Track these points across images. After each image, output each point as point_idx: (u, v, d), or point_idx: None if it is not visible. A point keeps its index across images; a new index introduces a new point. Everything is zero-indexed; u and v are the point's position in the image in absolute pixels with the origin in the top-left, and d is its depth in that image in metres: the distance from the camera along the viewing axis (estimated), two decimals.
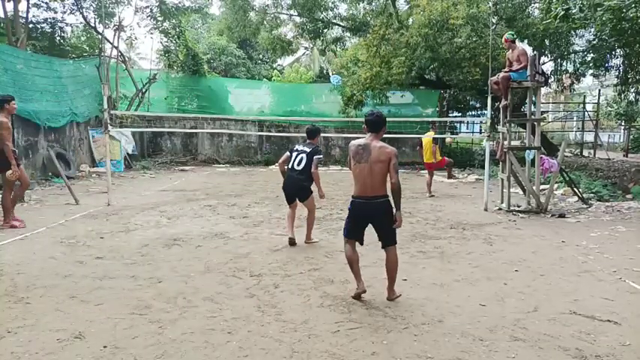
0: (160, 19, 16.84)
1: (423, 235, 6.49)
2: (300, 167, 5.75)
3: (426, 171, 10.70)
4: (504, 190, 8.48)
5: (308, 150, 5.81)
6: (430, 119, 15.62)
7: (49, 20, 15.61)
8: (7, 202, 6.55)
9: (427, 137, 10.42)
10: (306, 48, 29.47)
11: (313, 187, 5.92)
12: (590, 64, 13.88)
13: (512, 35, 8.49)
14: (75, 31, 18.59)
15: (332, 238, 6.14)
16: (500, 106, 8.47)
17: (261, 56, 27.65)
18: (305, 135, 6.07)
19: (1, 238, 5.93)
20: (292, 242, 5.78)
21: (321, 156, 5.95)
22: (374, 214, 3.94)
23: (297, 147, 5.95)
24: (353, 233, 4.10)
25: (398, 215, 3.94)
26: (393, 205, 3.94)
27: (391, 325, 3.54)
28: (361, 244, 4.14)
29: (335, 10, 20.04)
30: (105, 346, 3.13)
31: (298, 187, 5.84)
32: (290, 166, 5.84)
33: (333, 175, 13.68)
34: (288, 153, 5.97)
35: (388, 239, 4.04)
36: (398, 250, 5.57)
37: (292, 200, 5.98)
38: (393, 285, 4.07)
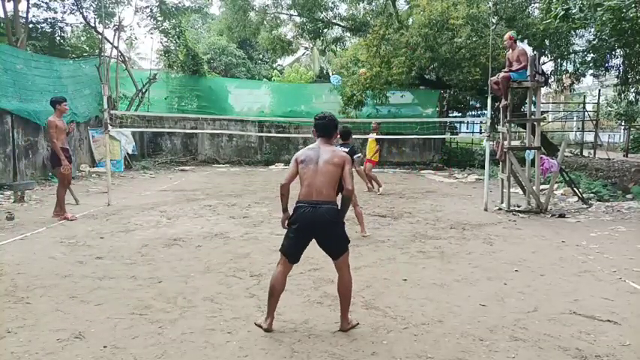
0: (160, 19, 16.83)
1: (423, 235, 6.49)
2: None
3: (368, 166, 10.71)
4: (504, 190, 8.48)
5: (347, 150, 6.10)
6: (430, 119, 15.68)
7: (49, 20, 15.61)
8: (62, 195, 7.07)
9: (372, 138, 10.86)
10: (306, 48, 29.49)
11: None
12: (590, 64, 13.88)
13: (516, 34, 8.49)
14: (75, 31, 18.60)
15: None
16: (501, 106, 8.47)
17: (261, 56, 27.66)
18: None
19: (1, 238, 5.93)
20: None
21: (360, 154, 6.34)
22: (319, 224, 3.31)
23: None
24: (289, 248, 3.42)
25: (342, 219, 3.47)
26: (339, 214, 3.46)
27: (391, 325, 3.54)
28: (297, 261, 3.48)
29: (335, 10, 20.05)
30: (105, 346, 3.13)
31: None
32: None
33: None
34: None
35: (334, 252, 3.43)
36: (398, 251, 5.63)
37: None
38: (347, 311, 3.46)
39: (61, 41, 16.17)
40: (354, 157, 6.17)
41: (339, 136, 6.75)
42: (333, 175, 3.37)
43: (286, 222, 3.50)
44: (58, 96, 7.39)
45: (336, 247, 3.42)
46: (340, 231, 3.42)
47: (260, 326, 3.40)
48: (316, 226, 3.32)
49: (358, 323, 3.51)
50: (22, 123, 10.55)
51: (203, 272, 4.73)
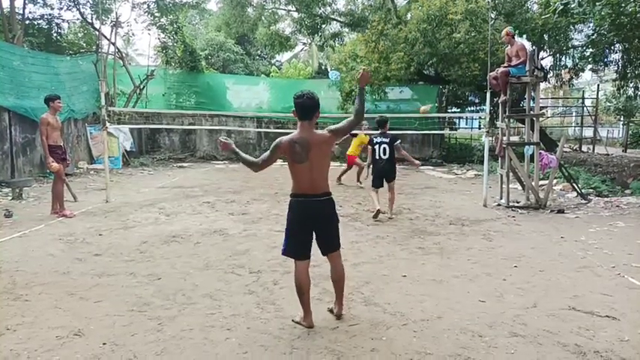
0: (157, 15, 16.73)
1: (422, 231, 6.49)
2: (387, 156, 7.15)
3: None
4: (503, 186, 8.48)
5: (387, 140, 7.15)
6: (429, 115, 15.64)
7: (45, 16, 15.51)
8: (59, 192, 7.08)
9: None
10: (304, 44, 29.37)
11: None
12: (589, 59, 13.84)
13: (514, 30, 8.47)
14: (72, 28, 18.46)
15: None
16: (500, 101, 8.45)
17: (259, 52, 27.59)
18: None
19: (0, 235, 5.92)
20: (378, 213, 7.00)
21: (400, 140, 7.32)
22: (317, 215, 3.33)
23: (375, 140, 7.24)
24: (299, 247, 3.37)
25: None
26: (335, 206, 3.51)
27: (390, 321, 3.53)
28: (307, 256, 3.42)
29: (333, 5, 20.02)
30: (104, 343, 3.13)
31: (389, 172, 7.23)
32: (378, 157, 7.18)
33: (331, 171, 13.66)
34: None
35: (332, 245, 3.45)
36: (397, 247, 5.63)
37: (381, 184, 7.29)
38: (342, 298, 3.58)
39: (58, 38, 16.08)
40: (395, 144, 7.12)
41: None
42: (326, 166, 3.40)
43: (225, 143, 3.58)
44: (52, 93, 7.43)
45: (332, 241, 3.45)
46: (337, 225, 3.48)
47: (300, 323, 3.41)
48: (314, 218, 3.34)
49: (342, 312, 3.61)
50: (19, 120, 10.51)
51: (202, 269, 4.73)
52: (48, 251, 5.24)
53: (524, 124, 10.55)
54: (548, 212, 7.85)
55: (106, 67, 14.32)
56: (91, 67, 14.11)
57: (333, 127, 3.40)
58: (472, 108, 20.20)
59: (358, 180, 10.80)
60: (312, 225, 3.36)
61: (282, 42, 21.18)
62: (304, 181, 3.32)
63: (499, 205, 8.41)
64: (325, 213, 3.38)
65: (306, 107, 3.29)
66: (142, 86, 15.83)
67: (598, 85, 18.81)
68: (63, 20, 16.15)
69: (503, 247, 5.65)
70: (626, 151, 18.43)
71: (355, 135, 10.58)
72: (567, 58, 15.42)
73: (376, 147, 7.18)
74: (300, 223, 3.36)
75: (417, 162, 7.50)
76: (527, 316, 3.62)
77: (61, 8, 15.52)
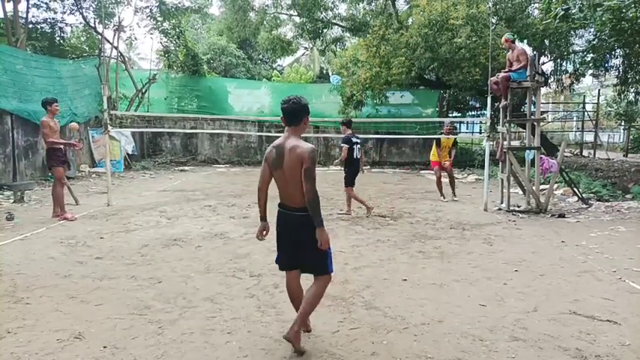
0: (159, 19, 16.84)
1: (423, 235, 6.49)
2: (359, 156, 7.73)
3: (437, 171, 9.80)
4: (504, 190, 8.48)
5: (359, 141, 7.77)
6: (430, 119, 15.68)
7: (48, 20, 15.61)
8: (59, 195, 7.16)
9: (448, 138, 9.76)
10: (305, 48, 29.49)
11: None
12: (590, 64, 13.87)
13: (512, 35, 8.50)
14: (75, 32, 18.59)
15: (330, 239, 6.12)
16: (500, 106, 8.47)
17: (261, 56, 27.67)
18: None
19: (1, 238, 5.93)
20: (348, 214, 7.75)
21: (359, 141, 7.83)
22: (294, 230, 3.11)
23: (352, 140, 7.60)
24: (283, 259, 3.27)
25: (319, 233, 3.00)
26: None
27: (391, 325, 3.53)
28: (294, 268, 3.29)
29: (335, 10, 20.10)
30: (105, 347, 3.13)
31: (358, 170, 7.79)
32: (355, 157, 7.63)
33: (333, 176, 13.67)
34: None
35: (313, 267, 3.18)
36: (398, 250, 5.63)
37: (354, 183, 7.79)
38: (303, 318, 3.12)
39: (61, 41, 16.17)
40: (364, 145, 7.83)
41: (342, 126, 7.56)
42: (299, 179, 3.01)
43: (262, 233, 3.37)
44: (49, 97, 7.50)
45: (313, 261, 3.14)
46: (320, 253, 3.10)
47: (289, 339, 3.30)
48: (290, 231, 3.15)
49: (311, 330, 3.38)
50: (21, 123, 10.56)
51: (203, 272, 4.73)
52: (49, 254, 5.25)
53: (524, 128, 10.57)
54: (548, 217, 7.84)
55: (109, 70, 14.39)
56: (93, 70, 14.18)
57: (309, 163, 2.98)
58: (473, 112, 20.21)
59: (453, 192, 9.61)
60: (289, 238, 3.16)
61: (283, 46, 21.27)
62: (282, 189, 3.20)
63: (500, 209, 8.41)
64: (297, 229, 3.09)
65: (292, 112, 3.10)
66: (144, 90, 15.90)
67: (599, 90, 18.80)
68: (66, 24, 16.26)
69: (503, 252, 5.64)
70: (627, 156, 18.42)
71: (439, 142, 9.70)
72: (568, 63, 15.46)
73: (354, 147, 7.63)
74: (281, 235, 3.25)
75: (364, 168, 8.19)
76: (527, 321, 3.62)
77: (64, 12, 15.62)
